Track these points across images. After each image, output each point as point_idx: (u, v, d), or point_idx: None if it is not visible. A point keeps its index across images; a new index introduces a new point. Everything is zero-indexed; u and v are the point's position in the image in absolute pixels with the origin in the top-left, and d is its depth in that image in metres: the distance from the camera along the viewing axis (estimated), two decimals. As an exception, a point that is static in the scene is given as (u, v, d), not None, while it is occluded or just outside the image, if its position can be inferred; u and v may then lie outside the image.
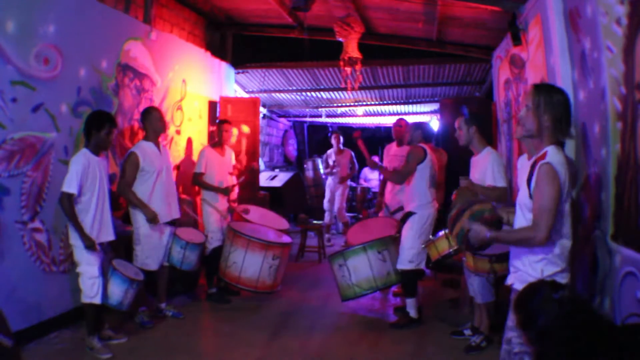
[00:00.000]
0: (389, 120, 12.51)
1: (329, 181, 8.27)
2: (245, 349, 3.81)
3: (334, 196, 8.17)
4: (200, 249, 4.58)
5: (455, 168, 4.92)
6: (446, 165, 5.43)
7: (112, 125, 3.75)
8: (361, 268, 4.36)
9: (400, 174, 4.30)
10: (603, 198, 2.72)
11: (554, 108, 2.20)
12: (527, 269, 2.26)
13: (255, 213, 5.65)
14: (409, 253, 4.22)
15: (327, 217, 8.25)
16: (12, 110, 3.50)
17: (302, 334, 4.18)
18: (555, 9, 3.53)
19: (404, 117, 7.04)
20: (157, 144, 4.33)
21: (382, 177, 6.51)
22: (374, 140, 14.84)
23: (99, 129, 3.66)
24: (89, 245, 3.54)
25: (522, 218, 2.30)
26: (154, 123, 4.30)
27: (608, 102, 2.62)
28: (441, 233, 3.89)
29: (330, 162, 8.20)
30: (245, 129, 6.50)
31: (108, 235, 3.74)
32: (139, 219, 4.19)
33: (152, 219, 4.14)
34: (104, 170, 3.76)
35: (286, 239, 5.19)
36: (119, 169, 4.72)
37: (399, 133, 5.52)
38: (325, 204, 8.30)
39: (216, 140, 5.26)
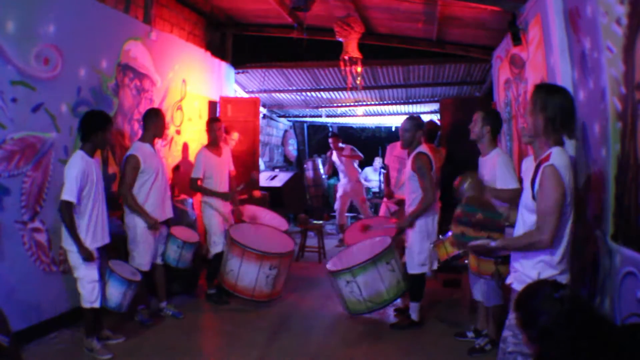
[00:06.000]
0: (389, 121, 12.50)
1: (342, 181, 8.41)
2: (244, 349, 3.81)
3: (348, 194, 8.36)
4: (196, 248, 4.57)
5: (457, 168, 4.88)
6: (449, 166, 5.42)
7: (111, 124, 3.77)
8: (372, 283, 4.21)
9: (425, 191, 4.09)
10: (603, 198, 2.71)
11: (549, 108, 2.22)
12: (525, 271, 2.27)
13: (255, 213, 5.63)
14: (420, 257, 4.15)
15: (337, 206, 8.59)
16: (12, 110, 3.50)
17: (301, 334, 4.18)
18: (555, 9, 3.52)
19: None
20: (152, 145, 4.31)
21: (383, 176, 6.56)
22: (374, 141, 14.86)
23: (104, 129, 3.64)
24: (87, 257, 3.48)
25: (520, 220, 2.30)
26: (156, 127, 4.28)
27: (608, 102, 2.61)
28: (450, 233, 3.85)
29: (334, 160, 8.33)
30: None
31: (104, 239, 3.70)
32: (136, 222, 4.15)
33: (153, 226, 4.15)
34: (99, 171, 3.73)
35: (287, 246, 4.99)
36: (120, 169, 4.72)
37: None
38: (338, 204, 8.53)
39: (210, 140, 5.10)
